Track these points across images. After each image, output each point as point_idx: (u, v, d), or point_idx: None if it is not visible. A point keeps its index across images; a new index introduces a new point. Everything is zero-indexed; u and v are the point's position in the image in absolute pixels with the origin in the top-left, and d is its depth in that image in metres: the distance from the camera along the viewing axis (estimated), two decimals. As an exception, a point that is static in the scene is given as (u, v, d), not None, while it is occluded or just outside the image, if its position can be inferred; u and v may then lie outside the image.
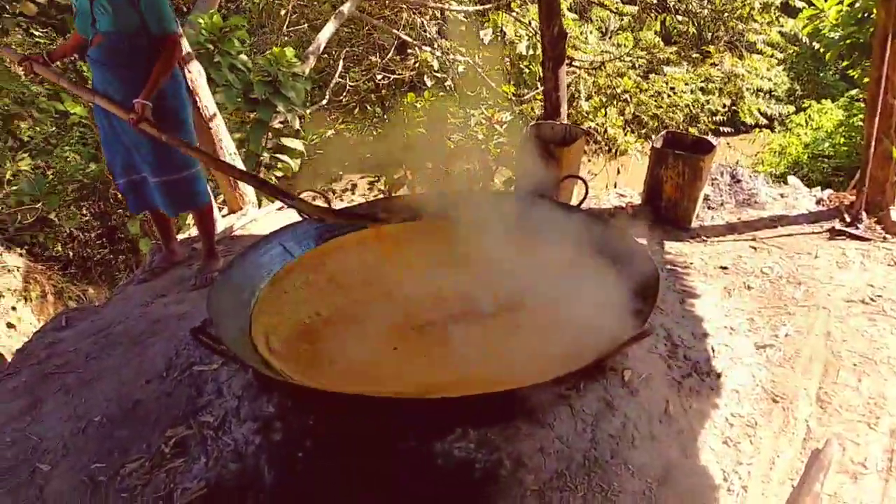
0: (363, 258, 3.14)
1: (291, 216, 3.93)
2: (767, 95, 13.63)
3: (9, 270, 4.67)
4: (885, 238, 3.48)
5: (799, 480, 2.14)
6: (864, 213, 3.57)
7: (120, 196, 6.25)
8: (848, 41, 6.64)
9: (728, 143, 13.61)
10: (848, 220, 3.60)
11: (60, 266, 5.85)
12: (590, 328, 2.42)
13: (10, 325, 4.41)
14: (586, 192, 3.20)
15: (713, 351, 2.67)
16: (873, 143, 3.49)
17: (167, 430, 2.35)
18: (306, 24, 11.12)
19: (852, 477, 2.15)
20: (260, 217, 4.44)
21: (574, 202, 3.51)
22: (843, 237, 3.51)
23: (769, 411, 2.42)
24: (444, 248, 2.99)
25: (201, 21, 5.60)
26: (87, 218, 6.16)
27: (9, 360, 3.43)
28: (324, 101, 9.93)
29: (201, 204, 3.32)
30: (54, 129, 6.61)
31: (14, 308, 4.53)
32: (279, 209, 4.59)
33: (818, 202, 3.97)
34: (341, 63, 10.11)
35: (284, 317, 2.72)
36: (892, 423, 2.33)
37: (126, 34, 2.83)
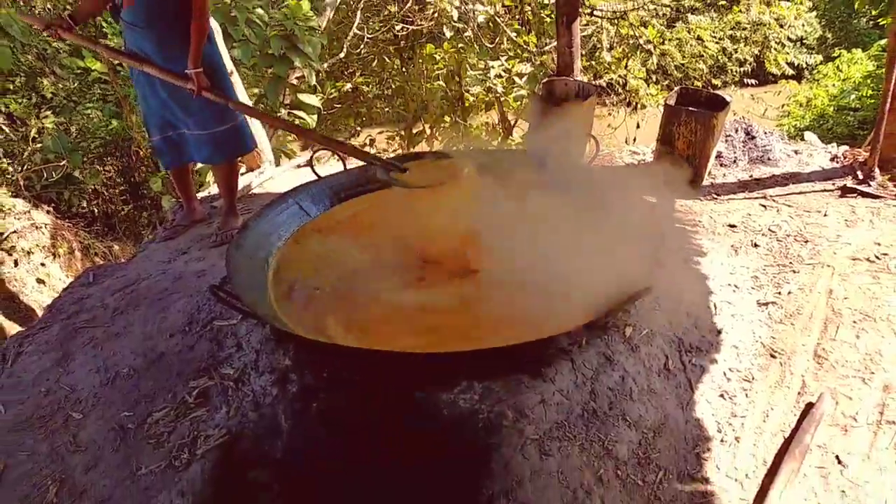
0: (377, 217, 3.22)
1: (308, 174, 4.02)
2: (798, 44, 13.23)
3: (37, 227, 4.84)
4: (897, 196, 3.46)
5: (790, 432, 2.22)
6: (877, 171, 3.55)
7: (142, 153, 6.38)
8: (879, -13, 6.44)
9: (752, 96, 13.33)
10: (860, 177, 3.58)
11: (86, 223, 6.03)
12: (593, 285, 2.49)
13: (39, 281, 4.60)
14: (597, 150, 3.23)
15: (715, 308, 2.73)
16: (889, 99, 3.44)
17: (190, 381, 2.50)
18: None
19: (843, 429, 2.22)
20: (277, 175, 4.53)
21: (586, 160, 3.53)
22: (855, 195, 3.50)
23: (766, 366, 2.50)
24: (452, 207, 3.05)
25: (218, -27, 5.58)
26: (111, 174, 6.30)
27: (40, 314, 3.61)
28: (341, 54, 9.85)
29: (249, 148, 3.46)
30: (76, 85, 6.70)
31: (43, 264, 4.71)
32: (297, 167, 4.66)
33: (833, 158, 3.94)
34: (359, 14, 9.98)
35: (301, 275, 2.82)
36: (886, 378, 2.39)
37: None
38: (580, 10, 10.05)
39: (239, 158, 3.53)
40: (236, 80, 4.40)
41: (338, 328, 2.49)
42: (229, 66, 4.33)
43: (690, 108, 3.55)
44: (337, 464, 2.16)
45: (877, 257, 3.00)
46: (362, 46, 10.48)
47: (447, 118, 10.36)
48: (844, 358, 2.51)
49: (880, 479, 2.03)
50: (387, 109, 11.56)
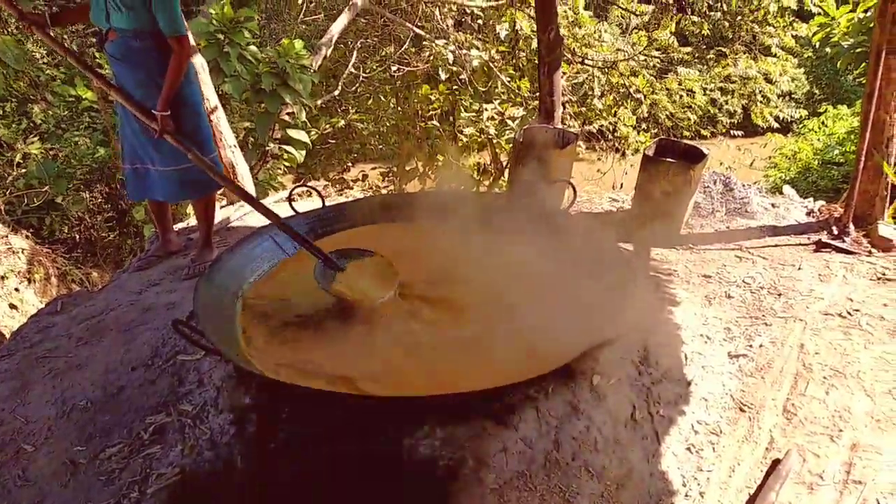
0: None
1: (287, 210, 4.02)
2: (787, 98, 13.52)
3: (14, 252, 4.79)
4: (870, 252, 3.49)
5: (756, 489, 2.19)
6: (851, 227, 3.59)
7: (126, 182, 6.39)
8: (858, 50, 6.60)
9: (739, 147, 13.57)
10: (835, 232, 3.62)
11: (66, 249, 5.99)
12: (562, 332, 2.48)
13: (12, 307, 4.54)
14: (574, 196, 3.25)
15: (686, 358, 2.71)
16: (863, 157, 3.50)
17: (147, 417, 2.44)
18: (323, 15, 11.18)
19: (809, 488, 2.19)
20: (256, 209, 4.51)
21: (563, 205, 3.55)
22: (829, 250, 3.53)
23: (735, 420, 2.47)
24: (427, 249, 3.05)
25: (213, 11, 5.68)
26: (98, 201, 6.28)
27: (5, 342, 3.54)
28: (336, 92, 9.97)
29: (211, 190, 3.42)
30: (66, 113, 6.74)
31: (17, 289, 4.65)
32: (276, 202, 4.66)
33: (809, 213, 3.99)
34: (356, 54, 10.15)
35: (273, 310, 2.79)
36: (854, 436, 2.36)
37: (138, 33, 2.90)
38: (573, 58, 10.24)
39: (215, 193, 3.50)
40: (221, 115, 4.42)
41: (305, 366, 2.45)
42: (214, 101, 4.37)
43: (668, 160, 3.59)
44: (293, 499, 2.10)
45: (849, 313, 3.00)
46: (358, 84, 10.64)
47: (440, 157, 10.46)
48: (813, 414, 2.49)
49: (845, 542, 1.99)
50: (381, 146, 11.67)
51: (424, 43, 10.36)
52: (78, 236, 6.33)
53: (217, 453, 2.24)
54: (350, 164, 11.46)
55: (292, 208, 3.46)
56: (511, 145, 9.14)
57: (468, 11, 10.56)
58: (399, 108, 11.09)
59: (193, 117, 3.15)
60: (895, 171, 3.58)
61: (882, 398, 2.52)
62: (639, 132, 11.05)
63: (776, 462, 2.29)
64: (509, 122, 9.37)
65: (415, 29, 9.76)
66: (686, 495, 2.17)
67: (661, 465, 2.26)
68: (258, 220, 4.27)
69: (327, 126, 10.07)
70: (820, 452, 2.32)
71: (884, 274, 3.29)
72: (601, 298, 2.57)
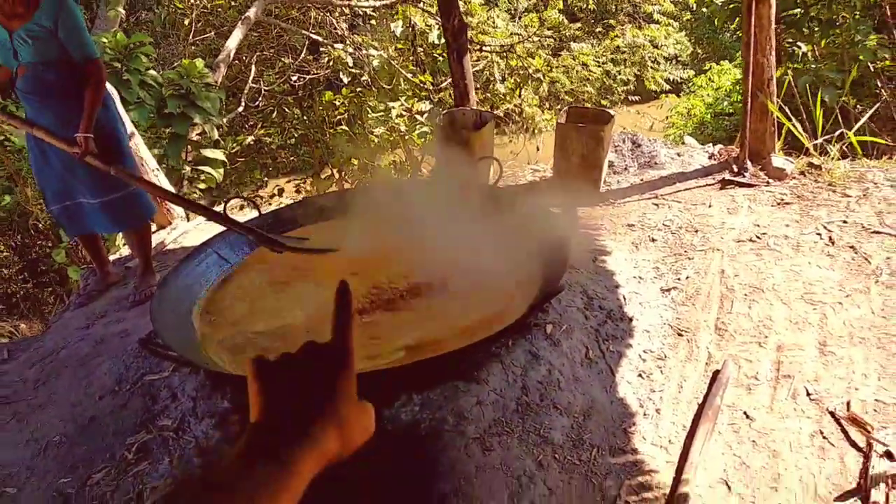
0: (296, 261, 3.29)
1: (220, 227, 4.04)
2: (674, 61, 14.29)
3: (-67, 314, 4.55)
4: (768, 182, 3.88)
5: (703, 398, 2.45)
6: (748, 163, 3.97)
7: (41, 226, 6.14)
8: (731, 6, 7.16)
9: (638, 111, 14.28)
10: (736, 169, 3.99)
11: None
12: (511, 292, 2.68)
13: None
14: (500, 171, 3.45)
15: (625, 299, 2.96)
16: (749, 99, 3.88)
17: (127, 438, 2.46)
18: (213, 32, 10.95)
19: (747, 389, 2.48)
20: (190, 230, 4.50)
21: (490, 181, 3.75)
22: (733, 186, 3.89)
23: (676, 344, 2.74)
24: (370, 237, 3.17)
25: (105, 40, 5.55)
26: (5, 254, 6.01)
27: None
28: (240, 109, 9.83)
29: (149, 217, 3.39)
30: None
31: (-55, 351, 4.42)
32: (208, 220, 4.64)
33: (710, 157, 4.37)
34: (254, 68, 10.03)
35: (225, 321, 2.85)
36: (778, 339, 2.68)
37: (49, 63, 2.87)
38: (469, 46, 10.51)
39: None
40: (138, 141, 4.37)
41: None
42: (130, 128, 4.31)
43: (580, 125, 3.86)
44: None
45: (758, 237, 3.35)
46: (260, 99, 10.50)
47: (354, 161, 10.48)
48: (741, 327, 2.79)
49: (783, 426, 2.28)
50: (292, 158, 11.56)
51: (322, 49, 10.36)
52: (-4, 289, 6.04)
53: (206, 458, 2.30)
54: (264, 180, 11.32)
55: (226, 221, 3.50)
56: (422, 140, 9.31)
57: (360, 13, 10.62)
58: (305, 118, 11.01)
59: (115, 143, 3.13)
60: (779, 107, 3.99)
61: (796, 304, 2.86)
62: (543, 111, 11.45)
63: (716, 373, 2.56)
64: (418, 116, 9.52)
65: (311, 35, 9.75)
66: (644, 414, 2.41)
67: (618, 393, 2.49)
68: (194, 241, 4.26)
69: (234, 145, 9.92)
70: (752, 358, 2.62)
71: (782, 199, 3.68)
72: (541, 257, 2.78)
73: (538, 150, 10.52)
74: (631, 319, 2.85)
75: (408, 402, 2.30)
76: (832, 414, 2.29)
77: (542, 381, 2.43)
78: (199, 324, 2.85)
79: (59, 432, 2.59)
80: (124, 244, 4.38)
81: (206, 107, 6.19)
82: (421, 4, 10.62)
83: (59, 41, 2.84)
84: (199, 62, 6.20)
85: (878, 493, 1.93)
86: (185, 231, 4.47)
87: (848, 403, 2.31)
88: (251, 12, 8.74)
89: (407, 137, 9.88)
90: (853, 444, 2.16)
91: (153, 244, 4.19)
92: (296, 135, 11.26)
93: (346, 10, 10.40)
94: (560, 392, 2.41)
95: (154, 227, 4.64)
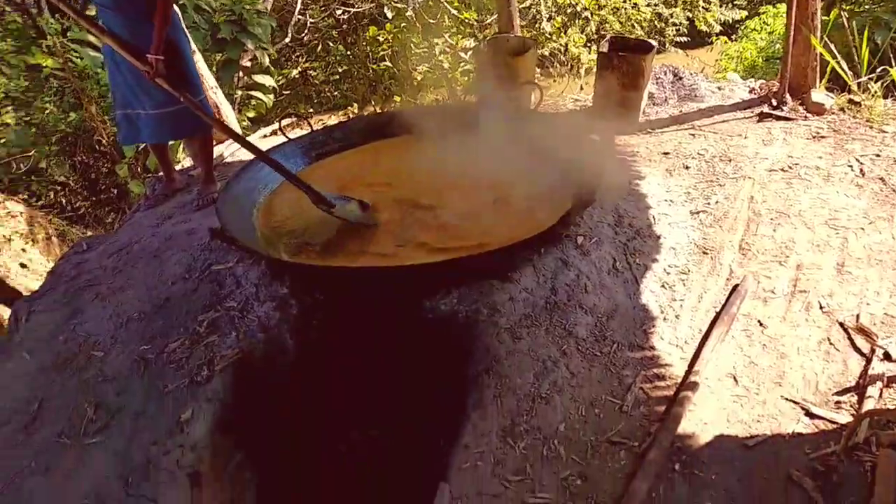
0: (347, 171, 3.54)
1: (275, 142, 4.29)
2: (729, 4, 13.81)
3: (13, 216, 4.97)
4: (806, 117, 3.93)
5: (720, 307, 2.64)
6: (788, 97, 4.01)
7: (104, 142, 6.51)
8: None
9: (688, 54, 13.92)
10: (775, 103, 4.04)
11: (56, 212, 6.15)
12: (550, 201, 2.89)
13: (23, 266, 4.75)
14: (541, 96, 3.59)
15: (654, 219, 3.13)
16: (793, 32, 3.89)
17: (198, 315, 2.77)
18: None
19: (763, 301, 2.65)
20: (246, 145, 4.76)
21: (532, 106, 3.89)
22: (771, 119, 3.96)
23: (700, 261, 2.91)
24: (419, 155, 3.39)
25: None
26: (78, 165, 6.41)
27: (34, 289, 3.81)
28: (287, 40, 9.93)
29: (207, 127, 3.64)
30: (27, 83, 6.74)
31: (24, 250, 4.86)
32: (262, 137, 4.91)
33: (751, 91, 4.41)
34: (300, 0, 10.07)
35: (284, 222, 3.12)
36: (798, 259, 2.83)
37: None
38: (518, -21, 10.31)
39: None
40: (199, 58, 4.60)
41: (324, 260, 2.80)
42: (192, 45, 4.53)
43: (622, 53, 3.94)
44: (341, 363, 2.49)
45: (789, 167, 3.45)
46: (305, 32, 10.56)
47: (397, 98, 10.54)
48: (764, 248, 2.94)
49: (794, 333, 2.47)
50: (335, 94, 11.65)
51: (368, -18, 10.30)
52: (64, 201, 6.47)
53: (268, 334, 2.61)
54: (309, 112, 11.50)
55: (285, 136, 3.75)
56: (466, 78, 9.29)
57: None
58: (349, 53, 11.02)
59: (182, 61, 3.36)
60: (824, 43, 3.99)
61: (819, 228, 2.99)
62: (589, 51, 11.26)
63: (735, 286, 2.74)
64: (462, 54, 9.49)
65: (360, -33, 9.71)
66: (664, 318, 2.62)
67: (641, 300, 2.70)
68: (249, 155, 4.52)
69: (280, 77, 10.08)
70: (771, 275, 2.79)
71: (818, 133, 3.74)
72: (577, 174, 2.96)
73: (581, 89, 10.44)
74: (659, 237, 3.02)
75: (447, 295, 2.56)
76: (841, 324, 2.46)
77: (571, 284, 2.65)
78: (259, 224, 3.15)
79: (137, 310, 2.92)
80: (185, 157, 4.68)
81: (258, 33, 6.38)
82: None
83: None
84: (253, -12, 6.34)
85: (873, 390, 2.12)
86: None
87: (857, 316, 2.47)
88: (301, -60, 8.74)
89: (450, 75, 9.89)
90: (857, 350, 2.34)
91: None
92: (340, 70, 11.32)
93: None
94: (586, 295, 2.63)
95: (215, 141, 4.92)
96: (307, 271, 2.71)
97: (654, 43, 4.01)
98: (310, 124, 3.91)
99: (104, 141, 6.41)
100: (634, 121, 4.09)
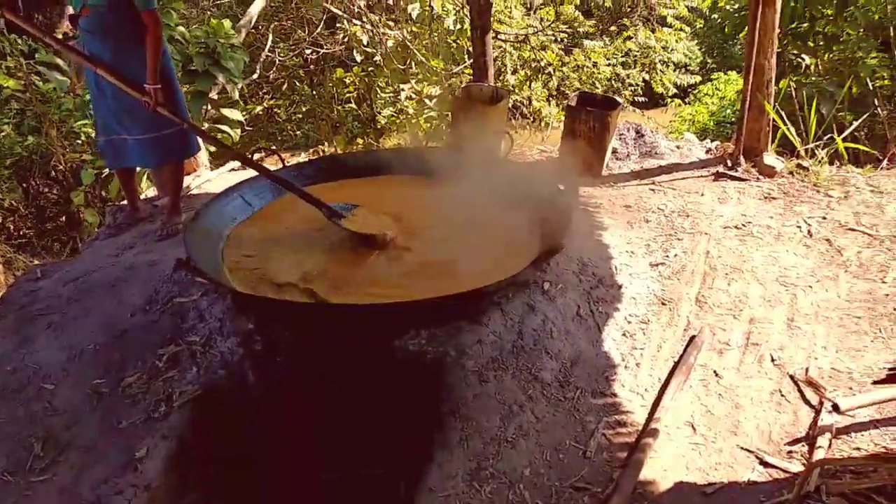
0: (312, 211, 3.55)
1: (243, 176, 4.28)
2: (683, 69, 14.51)
3: (-43, 241, 4.78)
4: (758, 178, 4.15)
5: (678, 357, 2.73)
6: (742, 158, 4.24)
7: (61, 168, 6.36)
8: (742, 13, 7.37)
9: (643, 114, 14.53)
10: (729, 164, 4.26)
11: (3, 238, 5.94)
12: (517, 249, 2.96)
13: (-35, 292, 4.54)
14: (511, 144, 3.71)
15: (616, 269, 3.22)
16: (748, 99, 4.14)
17: (158, 349, 2.71)
18: (234, -2, 11.04)
19: (718, 353, 2.75)
20: (214, 177, 4.74)
21: (502, 154, 4.00)
22: (726, 178, 4.16)
23: (659, 311, 3.00)
24: (386, 196, 3.44)
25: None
26: (31, 190, 6.23)
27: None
28: (255, 76, 9.96)
29: (195, 150, 3.66)
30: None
31: (-32, 276, 4.66)
32: (231, 170, 4.89)
33: (707, 151, 4.64)
34: (270, 37, 10.14)
35: (249, 256, 3.10)
36: (751, 313, 2.95)
37: (111, 7, 3.10)
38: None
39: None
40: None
41: (293, 296, 2.79)
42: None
43: (589, 108, 4.11)
44: (305, 401, 2.46)
45: (743, 225, 3.62)
46: (273, 70, 10.60)
47: (360, 140, 10.61)
48: (719, 301, 3.06)
49: (747, 384, 2.56)
50: (297, 133, 11.66)
51: (338, 25, 10.46)
52: (12, 226, 6.27)
53: (230, 371, 2.57)
54: (271, 148, 11.47)
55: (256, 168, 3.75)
56: (429, 125, 9.42)
57: None
58: (314, 93, 11.07)
59: (171, 88, 3.39)
60: (775, 109, 4.25)
61: (771, 284, 3.13)
62: (550, 105, 11.60)
63: (692, 338, 2.84)
64: (427, 101, 9.66)
65: (332, 9, 9.85)
66: (625, 367, 2.68)
67: (603, 347, 2.76)
68: (217, 188, 4.50)
69: (245, 113, 10.06)
70: (726, 327, 2.90)
71: (769, 194, 3.95)
72: (545, 221, 3.05)
73: (542, 140, 10.74)
74: (620, 286, 3.11)
75: (416, 335, 2.57)
76: (791, 377, 2.57)
77: (537, 329, 2.70)
78: (226, 256, 3.12)
79: (92, 341, 2.84)
80: (149, 186, 4.62)
81: (230, 67, 6.39)
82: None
83: None
84: (227, 22, 6.40)
85: (823, 440, 2.21)
86: (208, 178, 4.71)
87: (807, 370, 2.58)
88: (276, -22, 8.86)
89: (414, 121, 10.04)
90: (807, 402, 2.44)
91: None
92: (303, 109, 11.34)
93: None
94: (552, 340, 2.68)
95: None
96: (276, 307, 2.69)
97: (620, 100, 4.19)
98: (281, 159, 3.93)
99: (60, 167, 6.27)
100: (598, 174, 4.25)
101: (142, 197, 4.40)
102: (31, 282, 3.43)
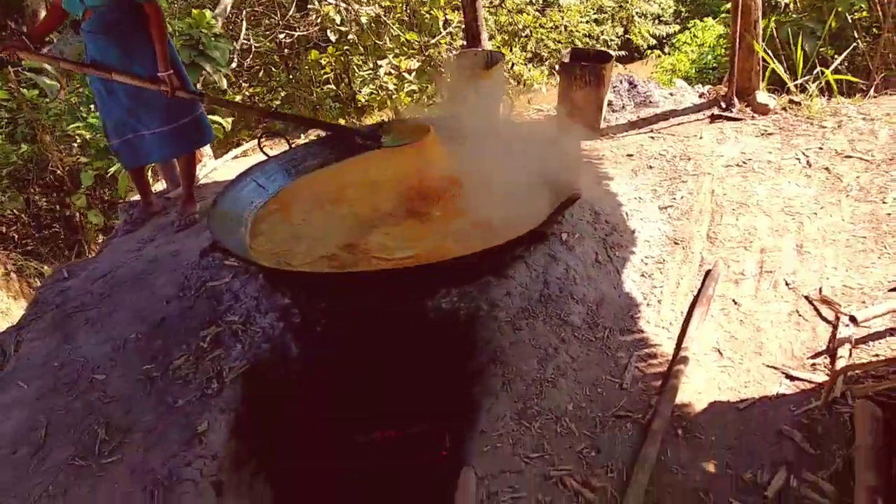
0: (331, 185, 3.63)
1: (248, 163, 4.35)
2: (656, 20, 14.51)
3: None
4: (753, 117, 4.26)
5: (697, 291, 2.86)
6: (735, 99, 4.34)
7: (59, 173, 6.38)
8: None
9: (625, 67, 14.55)
10: (724, 106, 4.36)
11: (12, 246, 5.98)
12: (532, 204, 3.05)
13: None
14: (512, 106, 3.79)
15: (627, 215, 3.34)
16: (738, 40, 4.22)
17: (200, 332, 2.81)
18: (202, -13, 10.88)
19: (735, 283, 2.88)
20: (219, 166, 4.80)
21: (502, 116, 4.08)
22: (722, 120, 4.27)
23: (673, 251, 3.13)
24: (403, 163, 3.51)
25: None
26: (32, 198, 6.26)
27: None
28: (233, 65, 9.87)
29: (210, 138, 3.72)
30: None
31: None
32: (234, 158, 4.94)
33: (700, 96, 4.73)
34: (244, 24, 10.02)
35: (275, 236, 3.19)
36: (761, 244, 3.08)
37: (112, 5, 3.14)
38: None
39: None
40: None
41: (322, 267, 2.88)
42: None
43: (583, 63, 4.19)
44: (347, 365, 2.58)
45: (744, 163, 3.73)
46: (249, 58, 10.49)
47: (342, 120, 10.56)
48: (730, 235, 3.19)
49: (765, 308, 2.70)
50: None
51: (309, 6, 10.33)
52: (17, 235, 6.30)
53: (273, 344, 2.68)
54: (257, 135, 11.42)
55: (264, 153, 3.82)
56: (410, 99, 9.36)
57: None
58: (291, 77, 10.99)
59: (180, 72, 3.45)
60: (764, 48, 4.34)
61: (777, 215, 3.25)
62: (529, 69, 11.57)
63: (708, 271, 2.96)
64: (406, 75, 9.62)
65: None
66: (648, 304, 2.81)
67: (625, 289, 2.89)
68: (223, 176, 4.56)
69: (223, 101, 9.97)
70: (739, 259, 3.02)
71: (765, 130, 4.06)
72: (556, 175, 3.14)
73: (528, 102, 10.77)
74: (633, 231, 3.22)
75: (447, 294, 2.68)
76: (807, 297, 2.70)
77: (561, 277, 2.81)
78: (249, 238, 3.20)
79: (133, 331, 2.93)
80: (159, 179, 4.68)
81: (216, 56, 6.39)
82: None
83: None
84: (208, 13, 6.37)
85: (843, 351, 2.35)
86: (214, 167, 4.77)
87: (820, 289, 2.72)
88: (247, -34, 8.75)
89: (395, 97, 10.01)
90: (824, 319, 2.58)
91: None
92: (282, 95, 11.26)
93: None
94: (576, 286, 2.80)
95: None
96: (308, 280, 2.79)
97: (612, 53, 4.27)
98: (288, 142, 3.99)
99: (58, 171, 6.29)
100: (597, 127, 4.34)
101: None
102: (60, 282, 3.50)
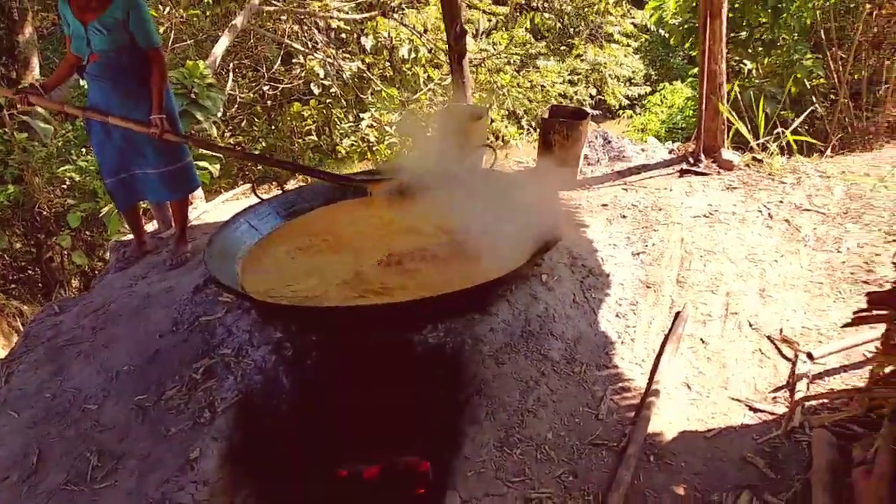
0: (322, 227, 3.79)
1: (237, 207, 4.51)
2: (628, 82, 15.19)
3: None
4: (719, 172, 4.55)
5: (668, 331, 3.04)
6: (702, 155, 4.64)
7: (45, 214, 6.46)
8: (686, 26, 7.91)
9: (598, 125, 15.13)
10: (692, 161, 4.65)
11: (-5, 286, 5.99)
12: (515, 248, 3.24)
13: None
14: (495, 157, 4.03)
15: (602, 260, 3.54)
16: (704, 101, 4.55)
17: (193, 364, 2.91)
18: (191, 42, 11.19)
19: (702, 323, 3.07)
20: (210, 209, 4.94)
21: (486, 166, 4.31)
22: (690, 174, 4.55)
23: (645, 294, 3.32)
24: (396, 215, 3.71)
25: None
26: (15, 238, 6.30)
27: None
28: (218, 114, 10.05)
29: (197, 185, 3.85)
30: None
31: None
32: (224, 201, 5.09)
33: (670, 152, 5.04)
34: (231, 75, 10.28)
35: (267, 275, 3.32)
36: (727, 288, 3.29)
37: (119, 51, 3.32)
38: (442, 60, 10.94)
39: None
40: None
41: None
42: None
43: (562, 119, 4.47)
44: (337, 397, 2.69)
45: (710, 214, 3.99)
46: (235, 108, 10.72)
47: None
48: (698, 280, 3.39)
49: (730, 347, 2.88)
50: (259, 167, 11.73)
51: (294, 60, 10.63)
52: (-1, 275, 6.32)
53: (266, 376, 2.78)
54: (238, 183, 11.57)
55: (258, 196, 3.99)
56: (390, 151, 9.58)
57: (331, 27, 10.85)
58: (273, 128, 11.20)
59: (173, 121, 3.61)
60: (728, 109, 4.67)
61: (741, 262, 3.48)
62: (507, 125, 11.99)
63: (678, 313, 3.15)
64: (387, 128, 9.91)
65: (293, 45, 10.06)
66: (622, 342, 2.98)
67: (601, 327, 3.06)
68: (215, 218, 4.70)
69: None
70: (706, 302, 3.22)
71: (730, 185, 4.34)
72: (535, 225, 3.34)
73: (506, 156, 11.13)
74: (608, 275, 3.42)
75: (434, 329, 2.82)
76: (768, 337, 2.89)
77: (541, 315, 2.98)
78: (241, 275, 3.32)
79: (126, 363, 3.01)
80: (149, 221, 4.79)
81: (208, 105, 6.61)
82: (394, 18, 10.98)
83: (129, 31, 3.30)
84: (202, 63, 6.62)
85: (801, 385, 2.53)
86: (205, 210, 4.91)
87: (781, 330, 2.92)
88: (238, 21, 9.07)
89: (375, 148, 10.27)
90: (784, 357, 2.76)
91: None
92: (263, 145, 11.45)
93: (319, 23, 10.65)
94: (555, 324, 2.97)
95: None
96: (300, 314, 2.91)
97: (589, 111, 4.56)
98: (282, 187, 4.17)
99: (45, 212, 6.36)
100: (574, 179, 4.59)
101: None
102: (52, 316, 3.57)
